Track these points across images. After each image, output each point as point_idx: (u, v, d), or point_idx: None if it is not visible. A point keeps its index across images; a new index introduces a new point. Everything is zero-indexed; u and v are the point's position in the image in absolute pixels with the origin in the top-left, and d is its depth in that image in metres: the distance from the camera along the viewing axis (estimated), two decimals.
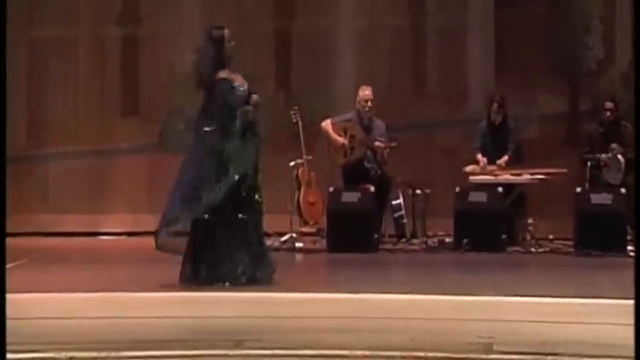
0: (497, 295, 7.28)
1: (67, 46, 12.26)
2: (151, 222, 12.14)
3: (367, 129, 10.72)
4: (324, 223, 10.61)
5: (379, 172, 10.71)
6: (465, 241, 10.25)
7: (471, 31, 12.11)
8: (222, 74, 7.91)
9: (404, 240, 10.74)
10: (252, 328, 5.80)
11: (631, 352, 4.57)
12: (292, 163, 10.91)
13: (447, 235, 10.69)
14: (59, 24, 12.23)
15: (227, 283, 7.65)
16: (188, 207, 7.83)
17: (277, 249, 10.51)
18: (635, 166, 9.96)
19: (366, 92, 10.72)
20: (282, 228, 10.74)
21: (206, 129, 7.82)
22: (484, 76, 12.01)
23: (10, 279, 8.30)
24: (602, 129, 10.63)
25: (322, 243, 10.54)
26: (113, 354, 5.08)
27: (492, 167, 10.69)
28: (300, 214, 10.79)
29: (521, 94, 11.66)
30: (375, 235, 10.36)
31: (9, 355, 5.04)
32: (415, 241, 10.74)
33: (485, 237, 10.22)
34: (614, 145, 10.40)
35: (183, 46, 12.27)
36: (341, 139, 10.74)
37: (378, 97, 10.84)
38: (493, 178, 10.58)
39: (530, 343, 5.29)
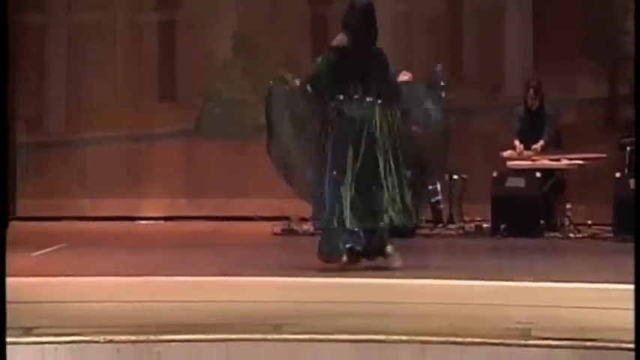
0: (535, 280, 7.25)
1: (105, 32, 12.30)
2: (187, 207, 12.26)
3: (405, 114, 10.67)
4: None
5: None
6: (503, 226, 10.21)
7: (508, 15, 12.03)
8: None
9: (441, 225, 10.70)
10: (290, 313, 5.80)
11: None
12: None
13: (485, 221, 10.65)
14: (97, 9, 12.28)
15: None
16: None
17: (314, 234, 10.52)
18: (636, 166, 9.89)
19: (404, 78, 10.66)
20: None
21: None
22: (522, 61, 11.93)
23: (49, 263, 8.39)
24: None
25: None
26: (152, 337, 5.10)
27: (530, 152, 10.64)
28: None
29: (559, 78, 11.58)
30: None
31: (48, 339, 5.08)
32: (452, 226, 10.71)
33: (523, 222, 10.17)
34: None
35: (220, 31, 12.31)
36: None
37: None
38: (531, 163, 10.53)
39: (569, 329, 5.26)
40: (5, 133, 4.90)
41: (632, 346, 4.91)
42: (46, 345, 5.04)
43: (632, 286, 6.63)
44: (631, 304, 5.67)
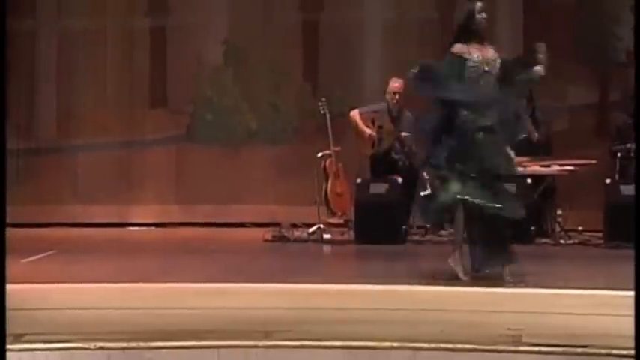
0: (526, 286, 7.26)
1: (96, 38, 12.30)
2: (178, 213, 12.26)
3: (396, 120, 10.71)
4: (351, 214, 10.60)
5: (407, 163, 10.69)
6: None
7: (498, 22, 12.05)
8: (455, 49, 7.84)
9: (432, 231, 10.70)
10: (281, 319, 5.80)
11: None
12: (320, 154, 10.91)
13: None
14: (88, 15, 12.28)
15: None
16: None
17: (305, 240, 10.54)
18: (636, 166, 9.91)
19: (395, 84, 10.69)
20: (310, 219, 10.75)
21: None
22: None
23: (40, 269, 8.37)
24: (632, 120, 10.57)
25: (350, 234, 10.54)
26: (142, 344, 5.10)
27: (520, 159, 10.64)
28: (328, 205, 10.80)
29: (550, 85, 11.59)
30: (403, 227, 10.35)
31: (38, 345, 5.07)
32: (443, 232, 10.70)
33: (514, 228, 10.16)
34: None
35: (211, 38, 12.32)
36: (369, 130, 10.73)
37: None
38: (522, 169, 10.53)
39: (560, 335, 5.27)
40: (4, 139, 4.91)
41: (623, 352, 4.93)
42: (36, 352, 5.03)
43: (622, 292, 6.66)
44: (623, 311, 5.68)
